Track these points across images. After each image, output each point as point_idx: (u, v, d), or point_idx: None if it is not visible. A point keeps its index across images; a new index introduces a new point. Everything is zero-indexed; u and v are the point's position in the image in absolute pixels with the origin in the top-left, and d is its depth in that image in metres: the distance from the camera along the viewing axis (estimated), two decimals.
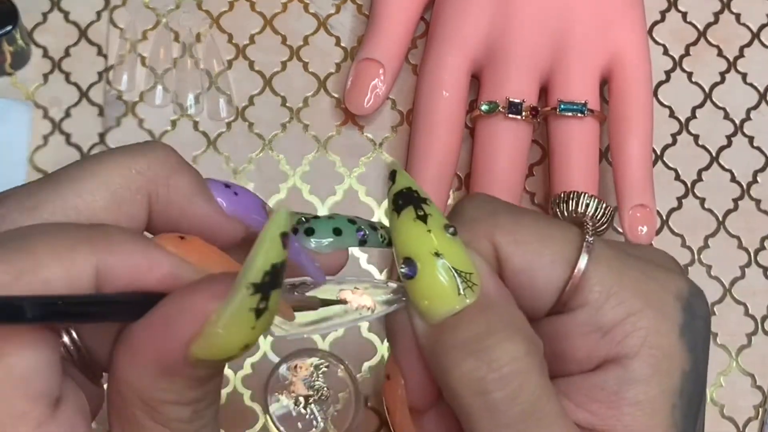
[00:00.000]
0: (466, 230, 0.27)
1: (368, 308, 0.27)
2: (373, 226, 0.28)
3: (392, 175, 0.27)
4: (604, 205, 0.29)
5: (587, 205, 0.29)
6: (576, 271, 0.26)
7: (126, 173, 0.25)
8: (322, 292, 0.27)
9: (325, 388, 0.44)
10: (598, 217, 0.28)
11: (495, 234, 0.27)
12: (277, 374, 0.45)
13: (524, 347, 0.25)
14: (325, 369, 0.45)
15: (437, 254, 0.25)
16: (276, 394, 0.44)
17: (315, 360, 0.45)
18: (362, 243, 0.27)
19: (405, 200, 0.26)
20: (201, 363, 0.22)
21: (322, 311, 0.26)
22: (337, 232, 0.27)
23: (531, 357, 0.25)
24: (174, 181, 0.25)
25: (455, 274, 0.25)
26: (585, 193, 0.29)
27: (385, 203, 0.46)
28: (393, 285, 0.27)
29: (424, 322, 0.26)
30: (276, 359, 0.46)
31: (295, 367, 0.45)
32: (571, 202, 0.29)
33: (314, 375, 0.45)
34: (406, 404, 0.29)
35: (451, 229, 0.26)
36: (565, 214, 0.29)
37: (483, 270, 0.26)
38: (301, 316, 0.26)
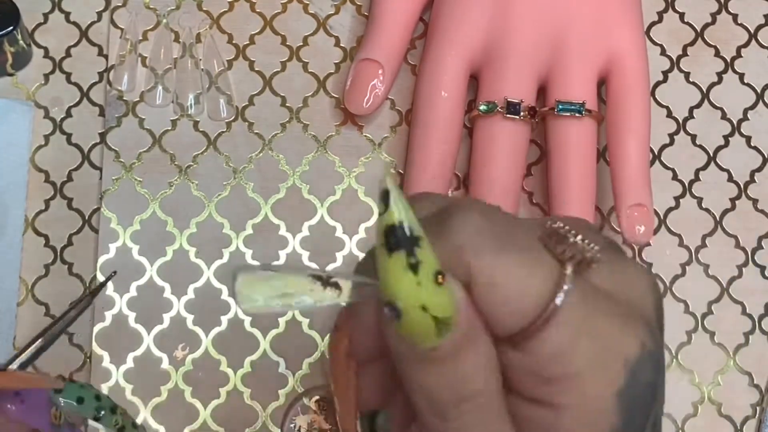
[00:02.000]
0: (450, 254, 0.27)
1: (338, 291, 0.28)
2: (113, 409, 0.32)
3: (384, 198, 0.25)
4: (591, 246, 0.28)
5: (572, 250, 0.28)
6: (537, 322, 0.26)
7: None
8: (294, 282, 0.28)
9: None
10: (583, 259, 0.27)
11: (472, 270, 0.27)
12: (301, 403, 0.45)
13: (481, 379, 0.27)
14: None
15: (423, 308, 0.26)
16: (295, 420, 0.45)
17: None
18: (96, 419, 0.32)
19: (398, 242, 0.25)
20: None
21: (292, 287, 0.27)
22: (79, 400, 0.32)
23: (489, 386, 0.27)
24: None
25: (436, 322, 0.26)
26: (572, 233, 0.28)
27: None
28: (367, 279, 0.27)
29: (405, 346, 0.27)
30: (276, 359, 0.46)
31: (318, 401, 0.45)
32: (557, 239, 0.28)
33: (336, 412, 0.45)
34: (347, 356, 0.30)
35: (440, 278, 0.26)
36: (552, 249, 0.28)
37: (461, 307, 0.26)
38: (270, 289, 0.27)
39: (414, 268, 0.25)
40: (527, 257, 0.27)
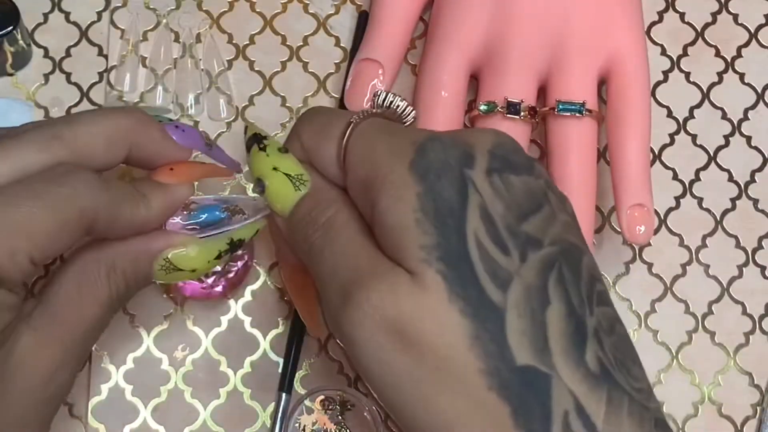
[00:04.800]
0: (288, 141, 0.38)
1: (244, 216, 0.39)
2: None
3: (245, 130, 0.39)
4: (396, 101, 0.39)
5: (394, 104, 0.39)
6: (342, 146, 0.36)
7: (116, 126, 0.37)
8: (210, 209, 0.39)
9: (348, 430, 0.45)
10: (402, 112, 0.39)
11: (301, 137, 0.37)
12: (302, 406, 0.45)
13: (332, 206, 0.35)
14: (351, 408, 0.45)
15: (275, 168, 0.37)
16: (299, 419, 0.45)
17: (343, 397, 0.45)
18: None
19: (251, 141, 0.38)
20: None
21: (206, 219, 0.39)
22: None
23: (339, 214, 0.35)
24: (146, 130, 0.38)
25: (290, 179, 0.36)
26: (383, 93, 0.39)
27: None
28: (261, 199, 0.38)
29: (281, 218, 0.37)
30: (276, 358, 0.46)
31: (322, 401, 0.45)
32: (384, 100, 0.39)
33: (340, 412, 0.45)
34: (292, 273, 0.42)
35: (283, 149, 0.37)
36: (379, 110, 0.39)
37: (309, 169, 0.37)
38: (187, 219, 0.39)
39: (263, 149, 0.37)
40: (333, 111, 0.40)
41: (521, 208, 0.32)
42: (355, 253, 0.33)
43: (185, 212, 0.39)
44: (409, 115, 0.39)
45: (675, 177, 0.50)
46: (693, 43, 0.52)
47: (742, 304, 0.49)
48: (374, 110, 0.37)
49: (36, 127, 0.35)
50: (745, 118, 0.51)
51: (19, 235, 0.32)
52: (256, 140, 0.38)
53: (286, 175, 0.36)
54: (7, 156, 0.34)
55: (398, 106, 0.39)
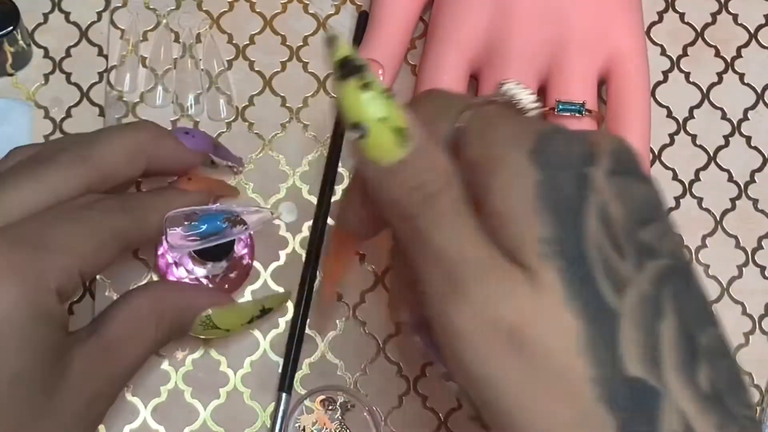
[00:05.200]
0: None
1: (245, 227, 0.41)
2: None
3: (330, 42, 0.31)
4: (532, 98, 0.36)
5: (504, 90, 0.36)
6: (458, 123, 0.33)
7: (135, 141, 0.41)
8: (211, 219, 0.41)
9: (348, 430, 0.45)
10: (525, 102, 0.36)
11: (418, 109, 0.33)
12: (303, 406, 0.45)
13: (442, 177, 0.31)
14: (351, 408, 0.45)
15: (382, 119, 0.31)
16: (299, 419, 0.45)
17: (342, 397, 0.45)
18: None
19: (349, 70, 0.31)
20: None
21: (206, 230, 0.41)
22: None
23: (449, 188, 0.31)
24: (160, 141, 0.42)
25: (397, 133, 0.31)
26: (510, 82, 0.36)
27: None
28: (265, 207, 0.38)
29: (374, 168, 0.31)
30: (276, 359, 0.46)
31: (322, 401, 0.45)
32: (497, 87, 0.36)
33: (340, 412, 0.45)
34: (344, 237, 0.41)
35: (390, 92, 0.31)
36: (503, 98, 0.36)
37: (415, 124, 0.31)
38: (188, 230, 0.40)
39: (367, 86, 0.31)
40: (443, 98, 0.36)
41: (640, 215, 0.31)
42: (466, 240, 0.30)
43: (186, 223, 0.40)
44: (532, 106, 0.36)
45: (675, 177, 0.50)
46: (693, 43, 0.52)
47: (742, 304, 0.49)
48: (495, 98, 0.35)
49: (61, 150, 0.39)
50: (745, 118, 0.51)
51: (70, 252, 0.36)
52: (353, 69, 0.31)
53: (392, 129, 0.31)
54: (43, 182, 0.37)
55: (521, 96, 0.36)
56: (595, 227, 0.30)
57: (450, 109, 0.34)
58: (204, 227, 0.41)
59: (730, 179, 0.50)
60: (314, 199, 0.48)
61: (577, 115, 0.46)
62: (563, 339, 0.28)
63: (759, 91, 0.52)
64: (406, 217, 0.31)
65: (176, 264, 0.45)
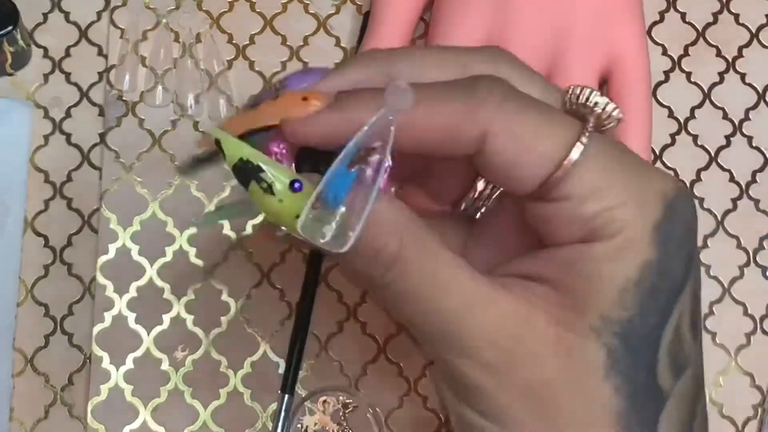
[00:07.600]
0: (466, 109, 0.28)
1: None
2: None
3: (218, 145, 0.28)
4: (612, 105, 0.30)
5: (595, 103, 0.29)
6: (560, 167, 0.27)
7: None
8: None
9: (350, 431, 0.45)
10: (604, 114, 0.29)
11: (493, 122, 0.28)
12: (304, 407, 0.45)
13: (394, 237, 0.28)
14: (353, 409, 0.45)
15: (297, 216, 0.27)
16: (302, 419, 0.45)
17: (344, 398, 0.45)
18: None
19: (244, 174, 0.28)
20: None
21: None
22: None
23: (397, 239, 0.28)
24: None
25: (320, 217, 0.27)
26: (593, 90, 0.30)
27: None
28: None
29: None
30: (276, 359, 0.46)
31: (324, 401, 0.45)
32: (581, 96, 0.30)
33: (342, 413, 0.45)
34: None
35: (297, 185, 0.28)
36: (573, 107, 0.30)
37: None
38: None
39: (269, 190, 0.28)
40: (547, 112, 0.29)
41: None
42: (456, 286, 0.28)
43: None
44: (612, 117, 0.30)
45: (676, 177, 0.50)
46: (694, 43, 0.52)
47: (743, 304, 0.49)
48: (567, 107, 0.30)
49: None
50: (747, 118, 0.51)
51: None
52: (250, 173, 0.28)
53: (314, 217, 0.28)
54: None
55: (599, 105, 0.30)
56: (684, 310, 0.28)
57: (551, 133, 0.28)
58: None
59: (732, 179, 0.50)
60: None
61: None
62: (595, 410, 0.28)
63: (760, 91, 0.52)
64: (380, 287, 0.29)
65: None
